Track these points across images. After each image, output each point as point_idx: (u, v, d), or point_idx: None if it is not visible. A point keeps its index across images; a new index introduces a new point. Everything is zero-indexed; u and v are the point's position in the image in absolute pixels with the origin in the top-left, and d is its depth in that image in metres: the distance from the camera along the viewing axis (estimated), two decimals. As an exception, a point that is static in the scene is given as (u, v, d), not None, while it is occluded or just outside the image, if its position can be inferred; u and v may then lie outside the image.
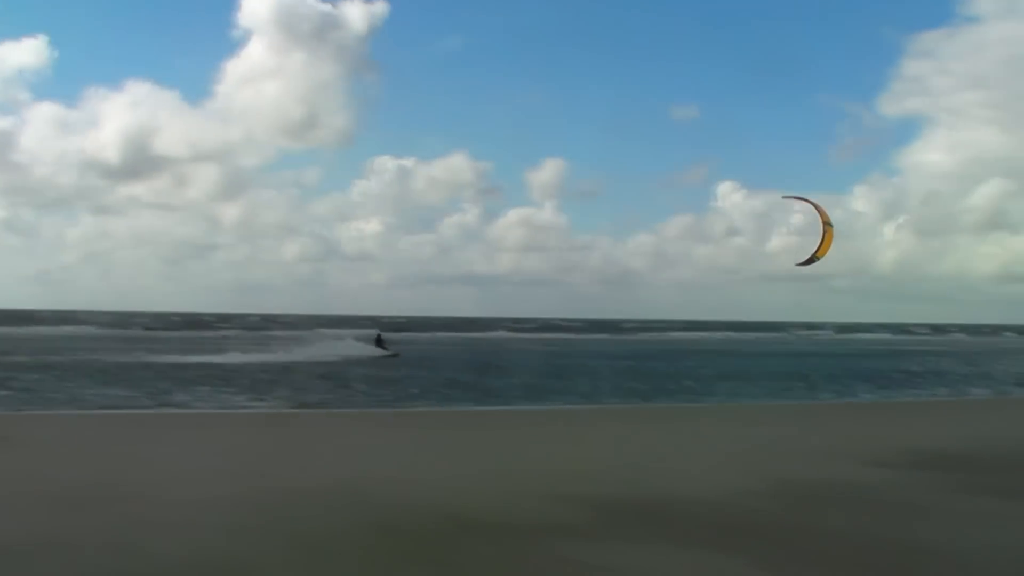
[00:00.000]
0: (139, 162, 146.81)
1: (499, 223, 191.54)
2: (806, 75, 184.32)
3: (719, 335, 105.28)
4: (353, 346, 47.54)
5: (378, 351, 46.80)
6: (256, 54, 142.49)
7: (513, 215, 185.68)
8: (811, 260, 16.56)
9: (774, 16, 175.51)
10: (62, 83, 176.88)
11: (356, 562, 7.64)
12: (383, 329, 57.87)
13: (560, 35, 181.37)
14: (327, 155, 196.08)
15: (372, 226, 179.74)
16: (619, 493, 10.76)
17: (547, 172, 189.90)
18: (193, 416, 21.32)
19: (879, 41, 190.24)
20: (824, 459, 13.64)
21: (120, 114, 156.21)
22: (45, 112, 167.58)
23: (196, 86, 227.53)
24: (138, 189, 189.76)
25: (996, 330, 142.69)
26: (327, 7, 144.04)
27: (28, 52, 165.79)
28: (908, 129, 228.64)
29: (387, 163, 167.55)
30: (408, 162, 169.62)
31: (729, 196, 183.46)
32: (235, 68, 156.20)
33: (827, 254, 16.39)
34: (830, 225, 16.29)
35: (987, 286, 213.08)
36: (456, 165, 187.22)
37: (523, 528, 8.86)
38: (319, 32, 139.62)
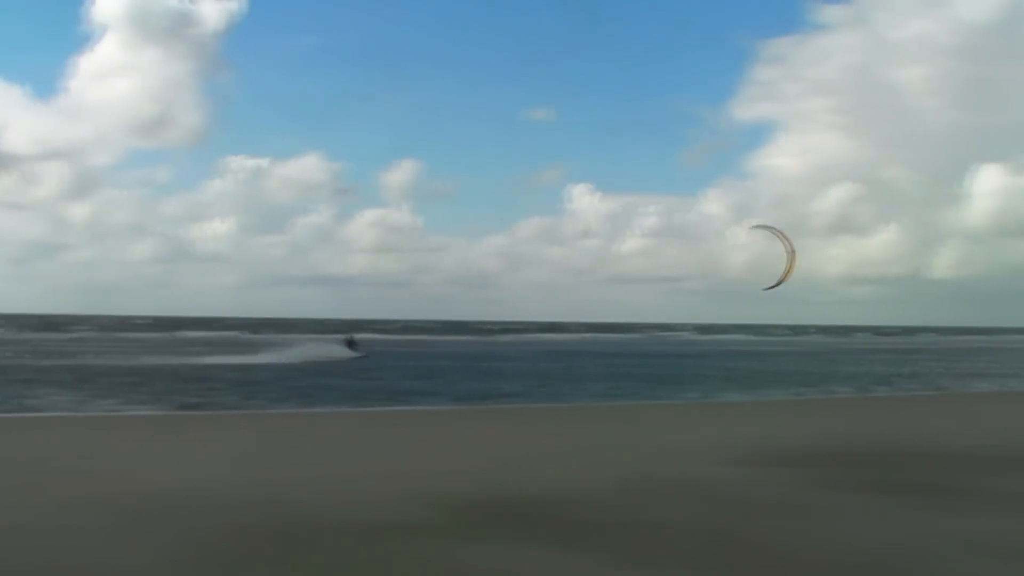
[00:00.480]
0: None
1: (353, 224, 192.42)
2: (660, 79, 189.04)
3: (577, 336, 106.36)
4: (328, 349, 50.32)
5: (350, 352, 49.50)
6: (108, 50, 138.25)
7: (367, 216, 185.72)
8: (778, 284, 17.04)
9: (629, 20, 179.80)
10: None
11: (213, 565, 7.48)
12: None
13: (416, 36, 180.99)
14: (179, 154, 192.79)
15: (224, 226, 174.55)
16: (475, 492, 10.78)
17: (401, 173, 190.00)
18: (51, 419, 20.82)
19: (731, 46, 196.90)
20: (679, 457, 13.81)
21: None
22: None
23: (45, 82, 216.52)
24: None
25: (848, 331, 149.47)
26: (182, 4, 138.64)
27: None
28: (759, 133, 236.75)
29: (240, 163, 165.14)
30: (262, 162, 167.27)
31: (582, 198, 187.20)
32: (86, 64, 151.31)
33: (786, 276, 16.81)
34: (794, 251, 16.84)
35: (835, 287, 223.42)
36: (310, 165, 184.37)
37: (380, 528, 8.81)
38: (173, 29, 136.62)
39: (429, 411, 23.86)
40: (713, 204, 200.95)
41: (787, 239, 16.88)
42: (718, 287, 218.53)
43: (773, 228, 17.45)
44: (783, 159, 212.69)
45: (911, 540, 8.41)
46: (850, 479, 11.88)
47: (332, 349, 50.31)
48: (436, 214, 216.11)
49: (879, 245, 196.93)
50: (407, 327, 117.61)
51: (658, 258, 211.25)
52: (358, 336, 57.45)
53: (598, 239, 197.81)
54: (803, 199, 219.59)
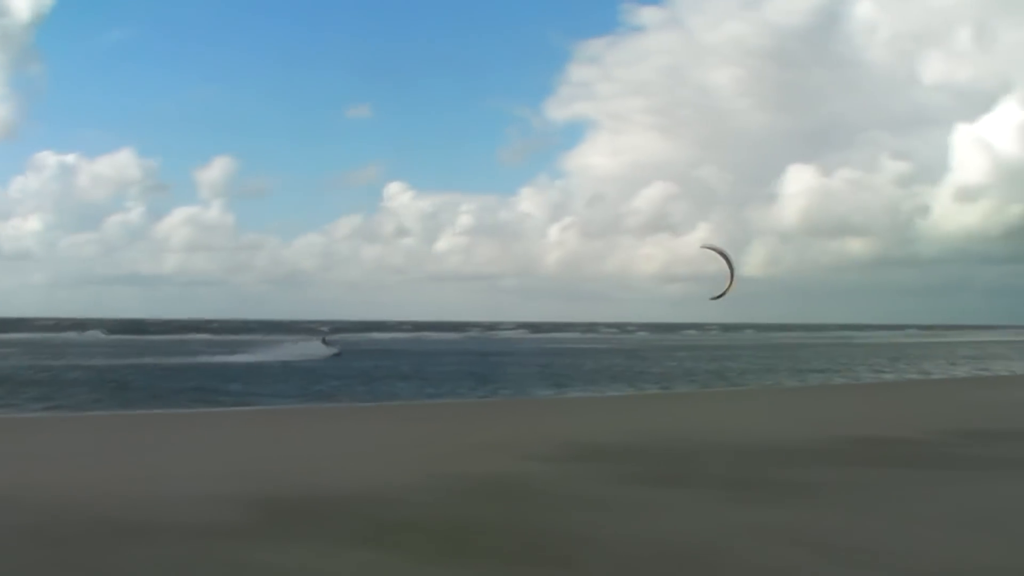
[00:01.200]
0: None
1: (165, 222, 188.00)
2: (478, 78, 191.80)
3: (394, 335, 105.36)
4: (309, 347, 54.79)
5: (328, 350, 53.26)
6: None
7: (180, 214, 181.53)
8: (721, 295, 18.66)
9: (447, 19, 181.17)
10: None
11: (4, 571, 7.26)
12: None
13: (232, 31, 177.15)
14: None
15: (31, 224, 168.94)
16: (279, 492, 10.67)
17: (216, 170, 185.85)
18: None
19: (547, 46, 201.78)
20: (487, 453, 13.95)
21: None
22: None
23: None
24: None
25: (673, 328, 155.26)
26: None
27: None
28: (574, 133, 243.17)
29: (49, 158, 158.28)
30: (71, 158, 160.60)
31: (398, 197, 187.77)
32: None
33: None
34: (733, 271, 18.64)
35: (649, 285, 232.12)
36: (122, 162, 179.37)
37: (180, 530, 8.65)
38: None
39: (238, 412, 23.29)
40: (529, 203, 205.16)
41: (729, 260, 18.62)
42: (531, 285, 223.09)
43: (718, 248, 19.05)
44: (598, 158, 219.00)
45: (709, 531, 8.67)
46: (654, 473, 12.20)
47: (313, 349, 54.40)
48: (251, 212, 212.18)
49: (692, 243, 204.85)
50: (224, 327, 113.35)
51: (475, 256, 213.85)
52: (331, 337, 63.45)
53: (415, 237, 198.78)
54: (618, 198, 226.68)
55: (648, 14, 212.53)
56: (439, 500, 10.37)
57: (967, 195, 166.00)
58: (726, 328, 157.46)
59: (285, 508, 9.81)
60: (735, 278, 18.53)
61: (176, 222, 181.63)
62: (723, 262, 18.61)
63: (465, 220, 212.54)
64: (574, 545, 8.17)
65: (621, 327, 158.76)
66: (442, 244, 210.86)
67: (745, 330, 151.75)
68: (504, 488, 11.08)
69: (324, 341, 57.46)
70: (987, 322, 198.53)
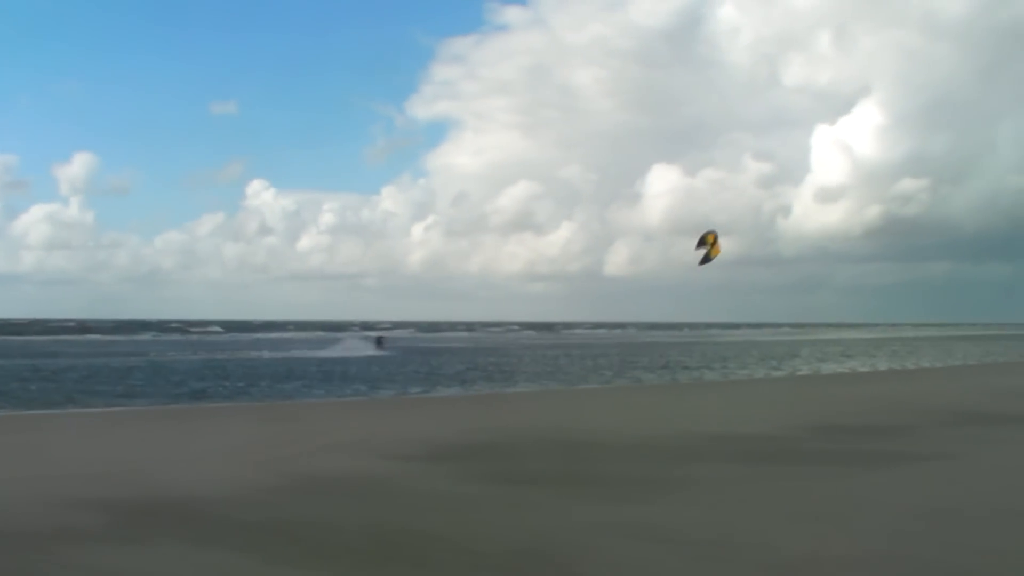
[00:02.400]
0: None
1: (22, 219, 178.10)
2: (343, 76, 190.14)
3: (263, 336, 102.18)
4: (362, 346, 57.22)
5: (379, 351, 55.31)
6: None
7: (38, 211, 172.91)
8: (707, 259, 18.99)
9: (313, 16, 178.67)
10: None
11: None
12: None
13: (95, 26, 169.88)
14: None
15: None
16: (132, 495, 10.43)
17: (76, 167, 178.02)
18: None
19: (411, 45, 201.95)
20: (344, 453, 13.81)
21: None
22: None
23: None
24: None
25: (538, 327, 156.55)
26: None
27: None
28: (437, 132, 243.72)
29: None
30: None
31: (260, 195, 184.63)
32: None
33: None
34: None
35: (512, 284, 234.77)
36: None
37: (30, 535, 8.44)
38: None
39: (80, 413, 22.36)
40: (392, 201, 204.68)
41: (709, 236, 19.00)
42: (393, 284, 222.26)
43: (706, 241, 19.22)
44: (462, 157, 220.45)
45: (567, 529, 8.63)
46: (512, 471, 12.16)
47: (363, 346, 56.96)
48: (112, 209, 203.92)
49: (557, 242, 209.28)
50: (81, 327, 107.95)
51: (338, 255, 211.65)
52: (387, 336, 67.56)
53: (278, 236, 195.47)
54: (482, 197, 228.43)
55: (512, 13, 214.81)
56: (294, 500, 10.21)
57: (827, 196, 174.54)
58: (569, 326, 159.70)
59: (136, 510, 9.57)
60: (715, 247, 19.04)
61: (34, 219, 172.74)
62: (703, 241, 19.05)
63: (328, 219, 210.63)
64: (430, 545, 8.07)
65: (484, 326, 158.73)
66: (305, 243, 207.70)
67: (612, 328, 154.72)
68: (360, 487, 10.97)
69: (379, 343, 59.36)
70: (845, 320, 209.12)
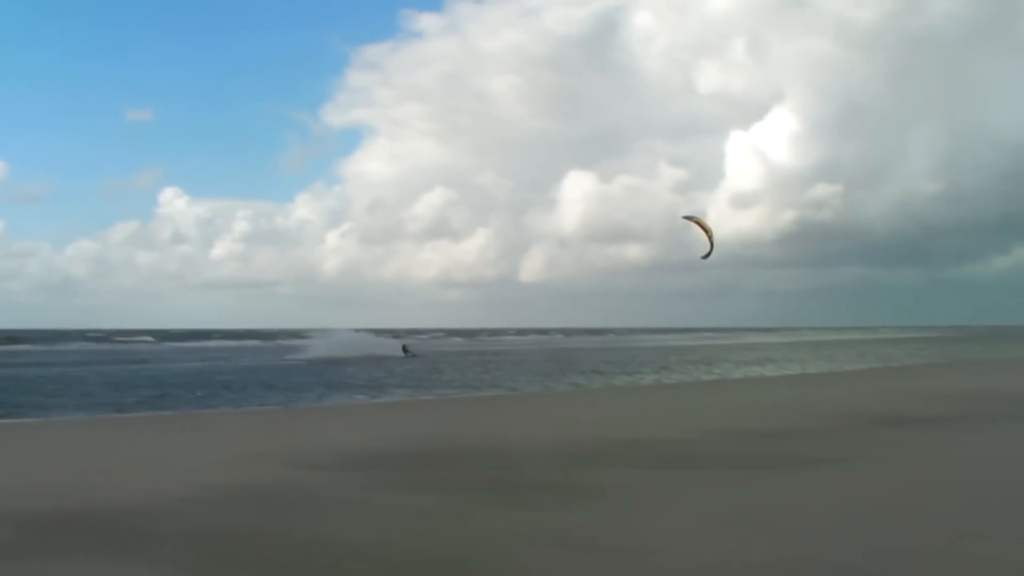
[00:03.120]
0: None
1: None
2: (257, 83, 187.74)
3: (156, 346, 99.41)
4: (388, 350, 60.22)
5: (405, 354, 58.74)
6: None
7: None
8: (708, 255, 20.49)
9: (229, 21, 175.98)
10: None
11: None
12: None
13: (5, 28, 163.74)
14: None
15: None
16: (42, 507, 10.26)
17: None
18: None
19: (326, 51, 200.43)
20: (258, 462, 13.66)
21: None
22: None
23: None
24: None
25: (449, 333, 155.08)
26: None
27: None
28: (352, 139, 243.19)
29: None
30: None
31: (173, 202, 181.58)
32: None
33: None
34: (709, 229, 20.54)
35: (428, 291, 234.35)
36: None
37: None
38: None
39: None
40: (306, 209, 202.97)
41: (705, 226, 20.70)
42: (308, 292, 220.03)
43: (695, 218, 21.15)
44: (376, 164, 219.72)
45: (479, 537, 8.62)
46: (425, 479, 12.14)
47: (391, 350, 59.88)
48: (22, 218, 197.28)
49: (472, 249, 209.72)
50: (9, 337, 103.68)
51: (252, 263, 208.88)
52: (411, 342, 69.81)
53: (191, 244, 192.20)
54: (397, 204, 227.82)
55: (428, 21, 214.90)
56: (206, 511, 10.12)
57: (742, 201, 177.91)
58: (493, 333, 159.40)
59: (46, 523, 9.44)
60: (712, 239, 20.58)
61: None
62: (700, 230, 20.60)
63: (242, 226, 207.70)
64: (344, 555, 8.02)
65: (409, 333, 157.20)
66: (219, 251, 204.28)
67: (529, 334, 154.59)
68: (273, 497, 10.88)
69: (405, 348, 61.37)
70: (761, 324, 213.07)
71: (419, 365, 50.51)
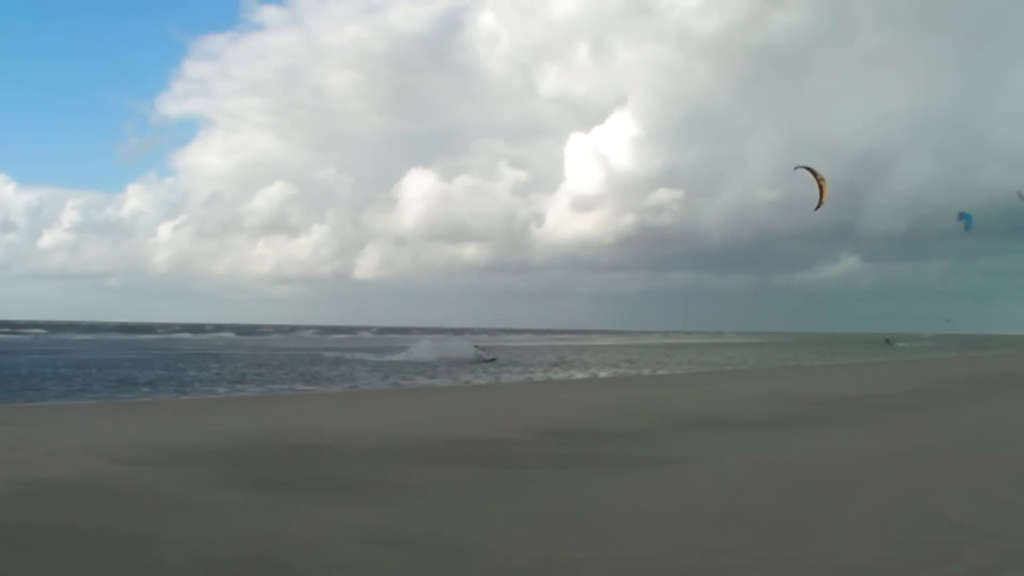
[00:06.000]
0: None
1: None
2: (92, 70, 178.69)
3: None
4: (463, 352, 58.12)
5: (481, 355, 56.48)
6: None
7: None
8: (819, 205, 21.11)
9: (63, 5, 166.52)
10: None
11: None
12: None
13: None
14: None
15: None
16: None
17: None
18: None
19: (164, 40, 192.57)
20: (78, 457, 13.34)
21: None
22: None
23: None
24: None
25: (293, 328, 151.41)
26: None
27: None
28: (188, 130, 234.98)
29: None
30: None
31: (1, 189, 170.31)
32: None
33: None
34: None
35: (259, 286, 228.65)
36: None
37: None
38: None
39: None
40: (137, 200, 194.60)
41: (817, 176, 21.08)
42: (139, 284, 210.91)
43: (809, 167, 21.46)
44: (212, 157, 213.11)
45: (302, 534, 8.58)
46: (250, 475, 12.00)
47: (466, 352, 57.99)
48: None
49: (307, 245, 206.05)
50: None
51: (81, 254, 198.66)
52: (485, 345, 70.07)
53: (18, 233, 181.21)
54: (234, 198, 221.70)
55: (269, 13, 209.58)
56: (22, 506, 9.86)
57: (582, 204, 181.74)
58: (329, 331, 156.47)
59: None
60: (825, 191, 21.14)
61: None
62: (813, 181, 21.18)
63: (72, 216, 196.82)
64: (163, 551, 7.93)
65: (198, 328, 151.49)
66: (47, 240, 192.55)
67: (360, 332, 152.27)
68: (91, 493, 10.64)
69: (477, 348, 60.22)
70: (595, 326, 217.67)
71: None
